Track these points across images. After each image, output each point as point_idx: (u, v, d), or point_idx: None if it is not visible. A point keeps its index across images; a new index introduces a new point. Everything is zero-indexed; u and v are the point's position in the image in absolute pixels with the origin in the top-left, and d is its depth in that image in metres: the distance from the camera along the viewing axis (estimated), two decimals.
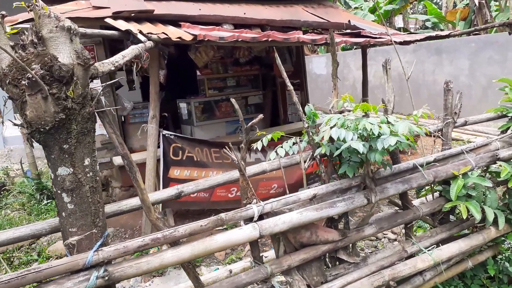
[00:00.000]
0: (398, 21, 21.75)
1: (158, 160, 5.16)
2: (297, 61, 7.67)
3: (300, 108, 3.06)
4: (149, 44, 3.74)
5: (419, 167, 3.16)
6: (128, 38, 3.90)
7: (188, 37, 4.01)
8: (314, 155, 3.04)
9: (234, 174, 2.86)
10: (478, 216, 3.13)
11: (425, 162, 3.21)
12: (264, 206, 2.61)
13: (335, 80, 3.07)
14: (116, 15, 4.24)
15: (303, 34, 4.94)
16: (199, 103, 7.46)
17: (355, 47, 11.09)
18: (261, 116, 2.71)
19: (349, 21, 5.78)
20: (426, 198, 3.64)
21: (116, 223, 5.88)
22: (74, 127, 2.13)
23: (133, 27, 3.95)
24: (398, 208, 3.51)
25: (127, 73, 7.46)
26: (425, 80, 9.95)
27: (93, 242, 2.25)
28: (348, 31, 5.75)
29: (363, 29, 5.33)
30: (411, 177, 3.11)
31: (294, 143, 3.15)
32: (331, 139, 2.89)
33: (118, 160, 5.65)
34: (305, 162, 3.08)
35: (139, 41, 3.83)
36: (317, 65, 13.54)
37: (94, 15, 4.16)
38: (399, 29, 18.30)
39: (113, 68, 2.48)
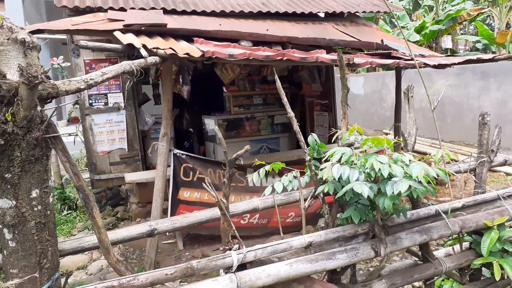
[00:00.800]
0: (447, 42, 20.76)
1: (168, 180, 4.86)
2: (326, 80, 7.22)
3: (302, 138, 2.64)
4: (152, 59, 3.46)
5: (442, 214, 2.63)
6: (132, 53, 3.64)
7: (197, 54, 3.70)
8: (316, 193, 2.61)
9: (217, 212, 2.45)
10: None
11: (450, 208, 2.67)
12: (246, 254, 2.19)
13: (344, 108, 2.64)
14: (126, 28, 4.00)
15: (329, 53, 4.50)
16: (223, 120, 7.16)
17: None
18: (247, 147, 2.32)
19: (381, 40, 5.29)
20: (453, 248, 3.07)
21: None
22: (17, 154, 1.82)
23: (140, 41, 3.69)
24: (417, 259, 2.97)
25: (154, 87, 7.31)
26: (470, 105, 9.16)
27: (36, 287, 1.92)
28: (380, 51, 5.26)
29: (396, 50, 4.82)
30: (431, 226, 2.59)
31: (295, 177, 2.74)
32: (340, 177, 2.44)
33: (131, 177, 5.41)
34: (305, 200, 2.66)
35: (150, 55, 3.57)
36: (354, 84, 12.97)
37: (103, 28, 3.95)
38: (446, 50, 17.36)
39: (83, 87, 2.16)
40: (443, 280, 3.86)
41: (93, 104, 5.94)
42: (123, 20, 4.25)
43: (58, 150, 1.94)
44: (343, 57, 2.47)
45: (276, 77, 2.55)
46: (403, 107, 4.13)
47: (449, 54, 10.21)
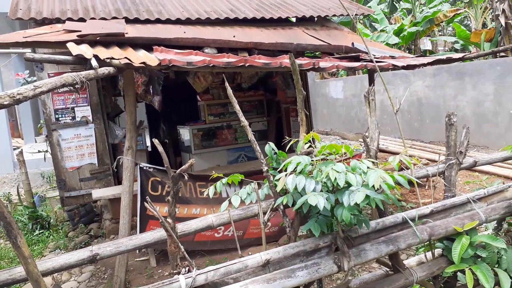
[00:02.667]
0: (427, 43, 20.89)
1: (136, 196, 4.65)
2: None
3: (258, 148, 2.47)
4: (105, 70, 3.28)
5: (409, 221, 2.47)
6: (84, 64, 3.45)
7: (154, 62, 3.52)
8: (275, 205, 2.43)
9: (163, 233, 2.25)
10: (488, 285, 2.39)
11: (418, 215, 2.52)
12: (195, 277, 2.00)
13: (302, 114, 2.48)
14: (81, 39, 3.81)
15: (297, 58, 4.36)
16: (198, 129, 7.00)
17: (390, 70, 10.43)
18: (192, 161, 2.13)
19: (352, 43, 5.18)
20: (425, 255, 2.91)
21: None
22: None
23: (93, 51, 3.49)
24: (388, 269, 2.80)
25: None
26: (446, 106, 9.12)
27: None
28: (350, 54, 5.14)
29: (365, 52, 4.70)
30: (398, 235, 2.43)
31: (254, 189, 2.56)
32: (295, 188, 2.26)
33: (98, 193, 5.19)
34: (265, 214, 2.48)
35: (106, 65, 3.38)
36: (334, 89, 12.90)
37: (56, 39, 3.75)
38: (425, 52, 17.46)
39: (6, 102, 1.97)
40: None
41: (60, 119, 5.72)
42: (80, 31, 4.06)
43: None
44: (294, 61, 2.32)
45: (227, 84, 2.40)
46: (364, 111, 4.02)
47: (421, 54, 10.20)
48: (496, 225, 2.94)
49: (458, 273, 2.93)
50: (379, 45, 5.91)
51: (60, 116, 5.72)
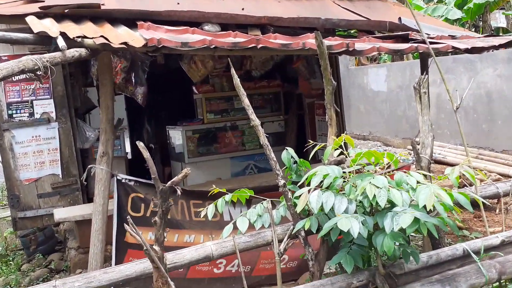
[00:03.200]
0: (501, 18, 20.81)
1: (111, 217, 4.74)
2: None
3: (271, 153, 2.54)
4: (75, 52, 3.37)
5: (473, 255, 2.51)
6: (48, 45, 3.54)
7: (138, 43, 3.60)
8: (294, 230, 2.48)
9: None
10: None
11: (484, 246, 2.55)
12: None
13: (330, 111, 2.55)
14: (45, 12, 3.91)
15: (325, 37, 4.42)
16: (193, 131, 7.08)
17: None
18: (187, 171, 2.19)
19: (399, 18, 5.23)
20: None
21: None
22: None
23: (60, 28, 3.58)
24: None
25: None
26: None
27: None
28: (396, 33, 5.19)
29: (416, 30, 4.75)
30: (458, 272, 2.47)
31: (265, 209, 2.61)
32: (322, 208, 2.31)
33: (62, 213, 5.29)
34: (280, 242, 2.53)
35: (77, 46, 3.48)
36: (374, 78, 12.90)
37: (13, 12, 3.85)
38: (497, 30, 17.40)
39: None
40: None
41: (14, 115, 5.83)
42: (43, 1, 4.17)
43: None
44: (322, 42, 2.39)
45: (233, 71, 2.47)
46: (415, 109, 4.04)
47: (491, 34, 10.11)
48: None
49: None
50: (436, 21, 5.95)
51: (14, 112, 5.83)
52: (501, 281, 2.59)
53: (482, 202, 2.55)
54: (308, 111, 7.63)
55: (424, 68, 5.92)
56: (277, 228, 2.53)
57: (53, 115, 5.93)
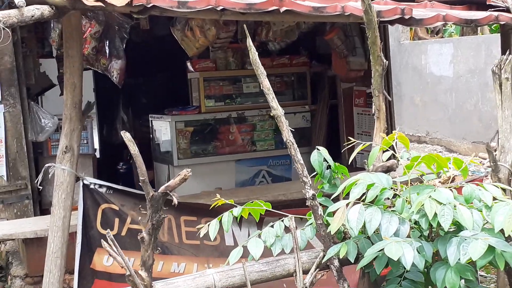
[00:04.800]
0: None
1: (73, 234, 4.85)
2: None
3: (297, 154, 2.62)
4: (36, 11, 3.47)
5: None
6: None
7: (119, 1, 3.69)
8: (325, 259, 2.57)
9: None
10: None
11: None
12: None
13: (379, 101, 2.62)
14: None
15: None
16: (185, 123, 7.17)
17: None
18: (186, 172, 2.28)
19: None
20: None
21: None
22: None
23: None
24: None
25: (60, 64, 7.32)
26: None
27: None
28: None
29: None
30: None
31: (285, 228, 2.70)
32: (363, 229, 2.40)
33: (7, 229, 5.40)
34: (306, 273, 2.62)
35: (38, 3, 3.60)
36: (436, 59, 12.91)
37: None
38: None
39: None
40: None
41: None
42: None
43: None
44: (371, 6, 2.46)
45: (249, 41, 2.54)
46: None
47: None
48: None
49: None
50: None
51: None
52: None
53: None
54: (344, 100, 7.72)
55: (506, 46, 5.98)
56: (301, 254, 2.61)
57: None
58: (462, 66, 12.48)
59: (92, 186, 4.85)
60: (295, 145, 2.60)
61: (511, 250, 2.12)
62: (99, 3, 3.70)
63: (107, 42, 6.55)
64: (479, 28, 14.16)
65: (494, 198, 2.23)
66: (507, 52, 2.95)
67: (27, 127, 6.22)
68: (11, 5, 3.51)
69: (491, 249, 2.09)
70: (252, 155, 7.43)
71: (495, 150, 2.76)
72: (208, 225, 2.72)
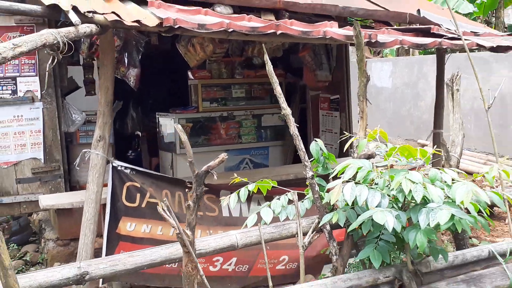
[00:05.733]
0: None
1: (104, 206, 4.90)
2: (337, 66, 7.37)
3: (301, 144, 2.74)
4: (86, 28, 3.54)
5: (498, 257, 2.76)
6: (57, 18, 3.71)
7: (152, 22, 3.77)
8: (321, 224, 2.70)
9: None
10: None
11: (510, 249, 2.80)
12: None
13: (362, 104, 2.76)
14: None
15: (342, 27, 4.63)
16: (187, 119, 7.22)
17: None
18: (224, 156, 2.40)
19: (418, 10, 5.46)
20: None
21: None
22: None
23: (68, 1, 3.74)
24: None
25: (86, 70, 7.32)
26: None
27: None
28: (415, 26, 5.44)
29: (437, 25, 4.99)
30: (483, 273, 2.72)
31: (289, 201, 2.83)
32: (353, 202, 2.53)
33: (49, 200, 5.41)
34: (305, 234, 2.75)
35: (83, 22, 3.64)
36: (379, 73, 13.18)
37: None
38: (510, 27, 17.83)
39: None
40: None
41: None
42: None
43: None
44: (361, 33, 2.59)
45: (267, 58, 2.67)
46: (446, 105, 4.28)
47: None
48: None
49: None
50: (455, 15, 6.19)
51: None
52: None
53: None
54: (311, 104, 7.83)
55: (441, 64, 6.19)
56: (301, 220, 2.73)
57: (38, 94, 6.01)
58: (398, 80, 12.76)
59: (119, 168, 4.90)
60: (299, 137, 2.74)
61: (467, 218, 2.27)
62: (136, 23, 3.78)
63: (126, 54, 6.56)
64: (411, 51, 14.46)
65: (453, 179, 2.37)
66: (457, 73, 3.09)
67: (60, 120, 6.20)
68: (66, 23, 3.56)
69: (452, 217, 2.24)
70: (238, 146, 7.51)
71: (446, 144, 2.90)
72: (229, 197, 2.81)
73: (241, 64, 7.55)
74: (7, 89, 5.93)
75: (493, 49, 4.52)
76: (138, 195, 4.95)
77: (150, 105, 8.48)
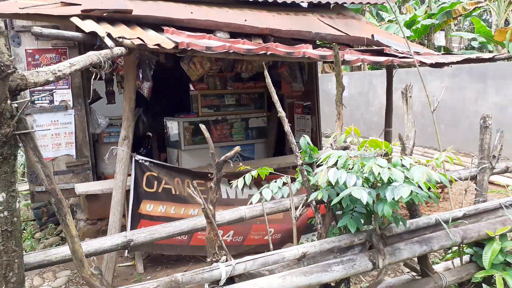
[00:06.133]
0: (440, 38, 21.68)
1: (128, 191, 4.96)
2: (309, 80, 7.50)
3: (293, 139, 2.85)
4: (118, 50, 3.60)
5: (443, 223, 2.91)
6: (94, 42, 3.76)
7: (169, 45, 3.85)
8: (308, 200, 2.82)
9: (203, 220, 2.62)
10: None
11: (451, 217, 2.95)
12: (235, 266, 2.37)
13: (339, 108, 2.87)
14: (86, 14, 4.11)
15: (315, 48, 4.75)
16: (189, 123, 7.28)
17: (383, 67, 10.96)
18: (237, 148, 2.51)
19: (372, 35, 5.61)
20: (452, 262, 3.34)
21: (73, 265, 5.62)
22: None
23: (103, 29, 3.80)
24: (415, 274, 3.22)
25: (107, 83, 7.36)
26: (466, 110, 9.71)
27: None
28: (372, 47, 5.58)
29: (388, 46, 5.14)
30: (432, 236, 2.86)
31: (284, 184, 2.94)
32: (330, 182, 2.65)
33: (83, 187, 5.45)
34: (296, 208, 2.86)
35: (119, 45, 3.70)
36: None
37: (59, 13, 4.04)
38: (439, 48, 18.19)
39: (52, 79, 2.30)
40: None
41: (36, 102, 5.93)
42: (80, 5, 4.35)
43: (28, 148, 2.06)
44: (338, 53, 2.71)
45: (266, 74, 2.77)
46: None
47: (444, 52, 10.75)
48: None
49: (483, 285, 3.37)
50: (401, 38, 6.37)
51: (36, 99, 5.93)
52: (462, 245, 2.99)
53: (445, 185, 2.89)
54: (288, 110, 7.89)
55: (390, 77, 6.36)
56: (294, 198, 2.84)
57: (70, 103, 6.04)
58: (353, 90, 12.95)
59: (140, 161, 4.98)
60: (292, 134, 2.82)
61: (422, 193, 2.40)
62: (156, 46, 3.85)
63: (140, 70, 6.58)
64: (361, 67, 14.69)
65: (411, 164, 2.50)
66: (410, 83, 3.21)
67: (88, 124, 6.22)
68: (101, 46, 3.62)
69: (411, 192, 2.37)
70: (230, 143, 7.53)
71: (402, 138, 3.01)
72: (237, 181, 2.89)
73: (232, 78, 7.63)
74: (45, 99, 5.96)
75: (433, 65, 4.69)
76: (156, 182, 5.03)
77: (158, 111, 8.49)
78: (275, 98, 2.80)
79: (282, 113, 2.83)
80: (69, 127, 6.07)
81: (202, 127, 2.52)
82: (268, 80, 2.78)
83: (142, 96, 6.75)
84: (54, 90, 5.95)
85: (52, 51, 5.92)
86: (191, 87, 7.45)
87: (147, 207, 5.00)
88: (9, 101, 1.99)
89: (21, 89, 2.10)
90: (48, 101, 5.99)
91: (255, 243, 5.49)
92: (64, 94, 6.07)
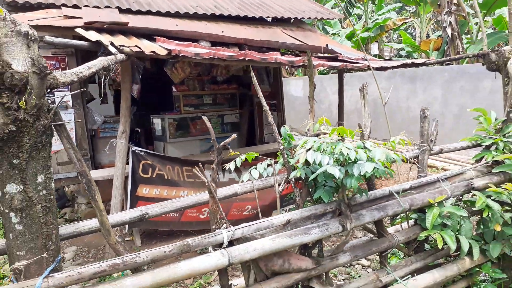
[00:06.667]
0: (374, 48, 22.30)
1: (127, 177, 4.94)
2: (274, 82, 7.63)
3: (276, 129, 2.94)
4: (120, 56, 3.59)
5: (395, 194, 3.07)
6: (98, 50, 3.73)
7: (163, 52, 3.87)
8: (289, 178, 2.91)
9: (204, 196, 2.69)
10: (453, 246, 3.03)
11: (401, 189, 3.12)
12: (234, 232, 2.45)
13: (312, 102, 2.98)
14: (88, 26, 4.07)
15: (281, 55, 4.86)
16: (173, 119, 7.29)
17: (331, 71, 11.22)
18: (234, 135, 2.58)
19: (326, 45, 5.78)
20: (401, 226, 3.55)
21: (79, 241, 5.56)
22: (26, 140, 1.93)
23: (105, 38, 3.78)
24: (373, 236, 3.39)
25: (100, 86, 7.23)
26: (400, 107, 10.08)
27: (43, 268, 2.02)
28: (326, 54, 5.74)
29: (340, 54, 5.31)
30: (387, 204, 3.01)
31: (268, 165, 3.03)
32: (306, 162, 2.76)
33: (92, 174, 5.36)
34: (279, 185, 2.96)
35: (110, 53, 3.67)
36: (294, 87, 13.59)
37: (65, 24, 3.98)
38: (374, 56, 18.72)
39: (75, 79, 2.31)
40: (389, 258, 4.36)
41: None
42: (81, 18, 4.29)
43: (63, 137, 2.08)
44: (311, 58, 2.81)
45: (255, 81, 2.84)
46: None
47: (390, 58, 11.15)
48: (456, 201, 3.62)
49: (425, 244, 3.59)
50: (350, 48, 6.57)
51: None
52: (409, 211, 3.17)
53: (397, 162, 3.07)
54: (257, 107, 8.05)
55: (341, 80, 6.56)
56: (277, 176, 2.93)
57: (70, 103, 5.96)
58: (307, 91, 13.16)
59: (137, 151, 4.97)
60: (275, 124, 2.88)
61: (382, 168, 2.54)
62: (152, 53, 3.86)
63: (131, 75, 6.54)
64: (314, 71, 14.98)
65: (372, 146, 2.64)
66: (366, 83, 3.35)
67: (86, 121, 6.16)
68: (104, 54, 3.60)
69: (373, 168, 2.50)
70: (208, 136, 7.63)
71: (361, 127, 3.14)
72: (229, 164, 2.95)
73: (209, 81, 7.67)
74: (48, 100, 5.80)
75: (378, 69, 4.89)
76: (150, 169, 5.04)
77: (145, 109, 8.44)
78: (260, 95, 2.88)
79: (266, 108, 2.90)
80: (69, 124, 5.96)
81: (205, 118, 2.57)
82: (256, 84, 2.88)
83: (131, 96, 6.70)
84: (65, 94, 5.83)
85: (52, 58, 5.79)
86: (174, 89, 7.46)
87: (143, 190, 5.00)
88: (46, 97, 2.00)
89: (53, 87, 2.11)
90: (50, 102, 5.84)
91: (236, 218, 5.58)
92: (64, 96, 5.95)
